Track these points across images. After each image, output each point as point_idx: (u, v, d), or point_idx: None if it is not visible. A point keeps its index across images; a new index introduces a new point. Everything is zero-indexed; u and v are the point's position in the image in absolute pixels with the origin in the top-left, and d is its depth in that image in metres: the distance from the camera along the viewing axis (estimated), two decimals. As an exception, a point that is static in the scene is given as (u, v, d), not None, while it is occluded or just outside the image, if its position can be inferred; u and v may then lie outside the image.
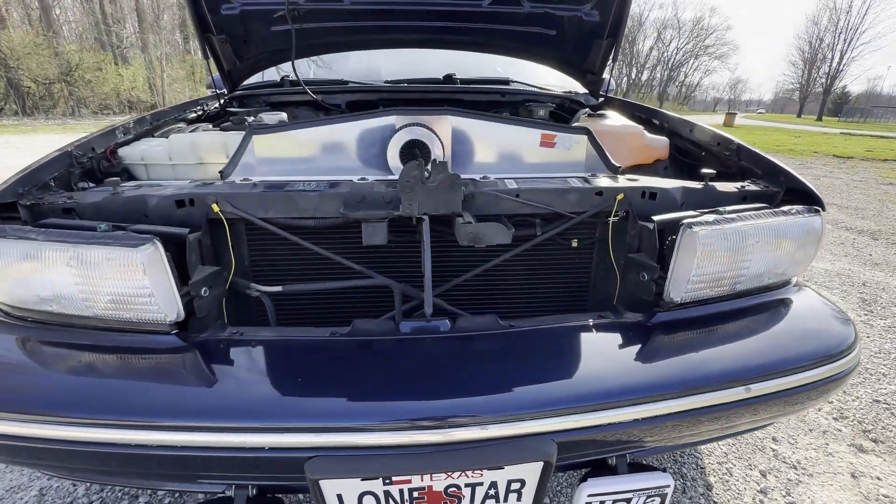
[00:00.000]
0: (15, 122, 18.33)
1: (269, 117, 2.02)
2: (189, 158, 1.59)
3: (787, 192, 1.38)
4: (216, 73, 2.53)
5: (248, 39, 2.35)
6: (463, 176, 1.42)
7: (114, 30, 25.61)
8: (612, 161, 1.49)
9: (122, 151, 1.61)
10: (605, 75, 2.69)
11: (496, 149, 1.61)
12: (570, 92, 2.79)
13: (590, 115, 1.97)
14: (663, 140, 1.88)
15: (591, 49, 2.47)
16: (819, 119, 45.98)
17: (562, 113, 2.62)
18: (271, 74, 2.92)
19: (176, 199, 1.18)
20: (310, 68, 3.14)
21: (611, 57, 2.53)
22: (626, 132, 1.84)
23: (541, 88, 2.77)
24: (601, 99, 2.71)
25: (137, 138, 1.77)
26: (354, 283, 1.29)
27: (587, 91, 2.78)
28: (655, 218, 1.19)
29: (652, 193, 1.29)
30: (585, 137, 1.55)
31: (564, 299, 1.49)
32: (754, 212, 1.17)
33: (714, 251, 1.09)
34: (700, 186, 1.33)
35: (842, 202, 7.00)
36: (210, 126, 2.23)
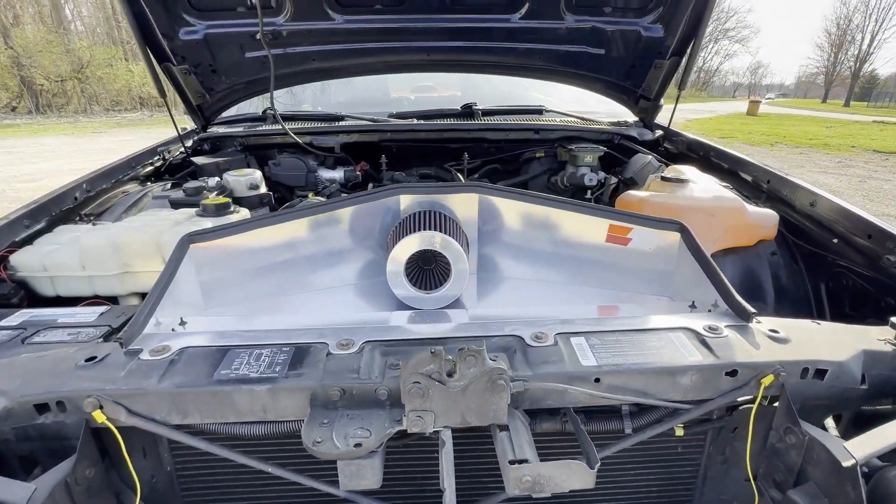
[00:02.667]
0: (28, 120, 18.13)
1: (237, 179, 1.55)
2: (109, 267, 1.13)
3: None
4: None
5: (217, 68, 1.87)
6: (494, 315, 0.91)
7: (123, 25, 25.31)
8: (737, 296, 0.92)
9: (16, 259, 1.15)
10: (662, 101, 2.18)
11: (541, 245, 1.12)
12: (618, 123, 2.25)
13: (664, 179, 1.44)
14: (771, 216, 1.36)
15: (650, 70, 1.97)
16: (846, 105, 43.81)
17: (612, 152, 2.09)
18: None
19: (35, 403, 0.72)
20: (307, 94, 2.65)
21: (674, 80, 2.02)
22: (722, 207, 1.32)
23: (583, 120, 2.24)
24: (658, 132, 2.19)
25: (50, 226, 1.31)
26: None
27: (638, 119, 2.26)
28: (857, 455, 0.68)
29: (819, 370, 0.79)
30: (679, 237, 1.05)
31: None
32: None
33: None
34: (891, 350, 0.82)
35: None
36: (169, 185, 1.77)
